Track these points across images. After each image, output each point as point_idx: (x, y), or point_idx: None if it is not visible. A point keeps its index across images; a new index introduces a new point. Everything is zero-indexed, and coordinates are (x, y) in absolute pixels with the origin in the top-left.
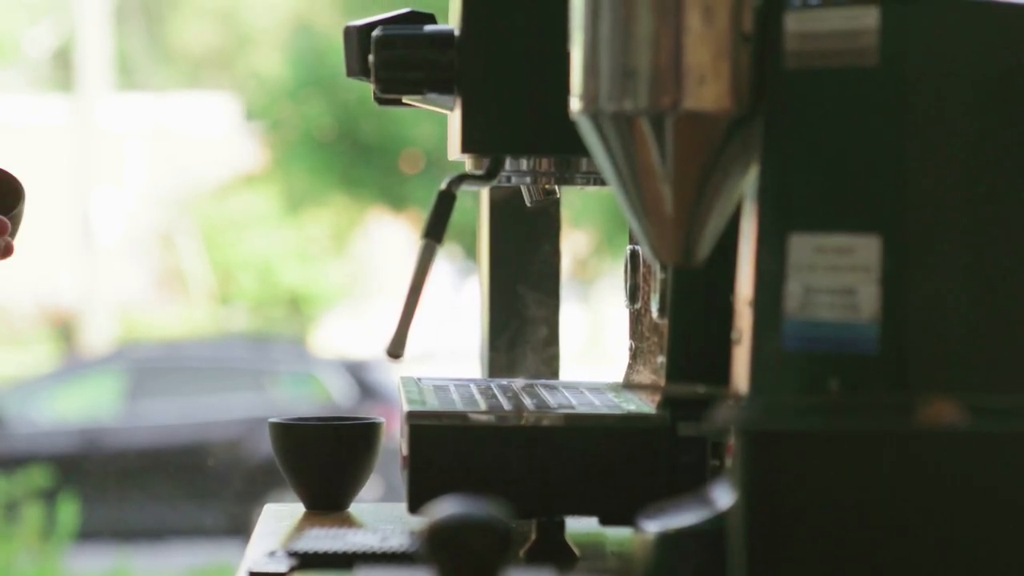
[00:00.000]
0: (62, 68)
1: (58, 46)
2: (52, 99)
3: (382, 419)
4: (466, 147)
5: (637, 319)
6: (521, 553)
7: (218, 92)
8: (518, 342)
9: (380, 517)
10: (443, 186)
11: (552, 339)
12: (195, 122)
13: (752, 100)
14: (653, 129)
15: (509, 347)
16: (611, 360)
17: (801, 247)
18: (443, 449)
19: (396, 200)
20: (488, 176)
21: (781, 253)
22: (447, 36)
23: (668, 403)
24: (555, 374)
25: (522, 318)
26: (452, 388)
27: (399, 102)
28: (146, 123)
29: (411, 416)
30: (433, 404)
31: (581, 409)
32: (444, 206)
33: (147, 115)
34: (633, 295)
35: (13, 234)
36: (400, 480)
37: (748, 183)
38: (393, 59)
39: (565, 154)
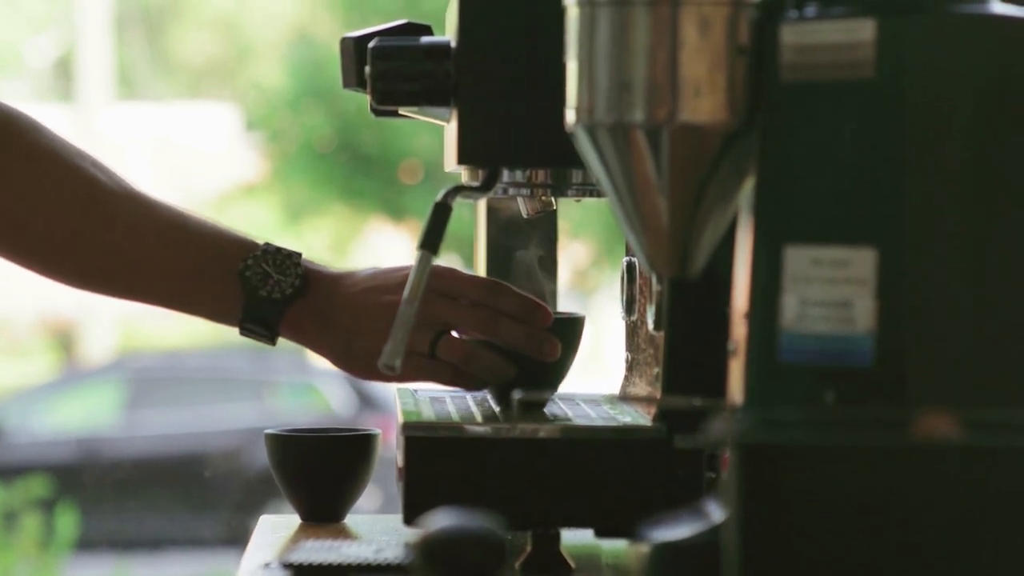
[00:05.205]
0: (63, 78)
1: (59, 56)
2: (53, 109)
3: (378, 430)
4: (462, 159)
5: (633, 331)
6: (516, 565)
7: (218, 102)
8: None
9: (376, 529)
10: (439, 197)
11: None
12: (196, 132)
13: (748, 112)
14: (649, 141)
15: None
16: (608, 372)
17: (797, 259)
18: (439, 461)
19: (395, 210)
20: (484, 187)
21: (777, 265)
22: (444, 48)
23: (664, 415)
24: None
25: None
26: (448, 400)
27: (396, 113)
28: (147, 133)
29: (407, 428)
30: (429, 416)
31: (577, 421)
32: (440, 217)
33: (148, 125)
34: (629, 307)
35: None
36: (398, 491)
37: (744, 195)
38: (389, 71)
39: (561, 166)
